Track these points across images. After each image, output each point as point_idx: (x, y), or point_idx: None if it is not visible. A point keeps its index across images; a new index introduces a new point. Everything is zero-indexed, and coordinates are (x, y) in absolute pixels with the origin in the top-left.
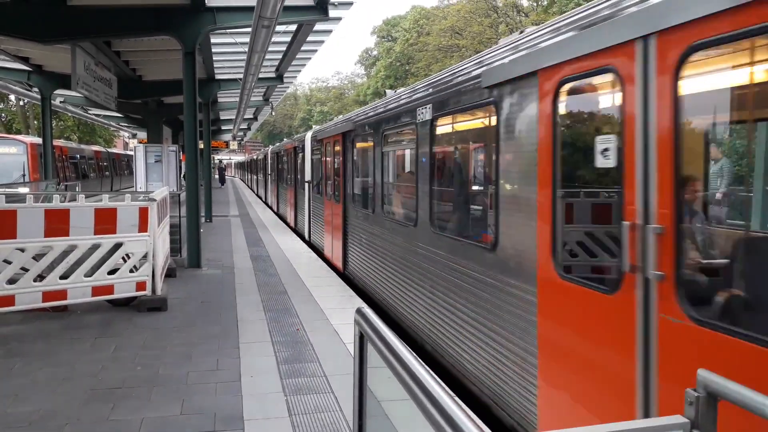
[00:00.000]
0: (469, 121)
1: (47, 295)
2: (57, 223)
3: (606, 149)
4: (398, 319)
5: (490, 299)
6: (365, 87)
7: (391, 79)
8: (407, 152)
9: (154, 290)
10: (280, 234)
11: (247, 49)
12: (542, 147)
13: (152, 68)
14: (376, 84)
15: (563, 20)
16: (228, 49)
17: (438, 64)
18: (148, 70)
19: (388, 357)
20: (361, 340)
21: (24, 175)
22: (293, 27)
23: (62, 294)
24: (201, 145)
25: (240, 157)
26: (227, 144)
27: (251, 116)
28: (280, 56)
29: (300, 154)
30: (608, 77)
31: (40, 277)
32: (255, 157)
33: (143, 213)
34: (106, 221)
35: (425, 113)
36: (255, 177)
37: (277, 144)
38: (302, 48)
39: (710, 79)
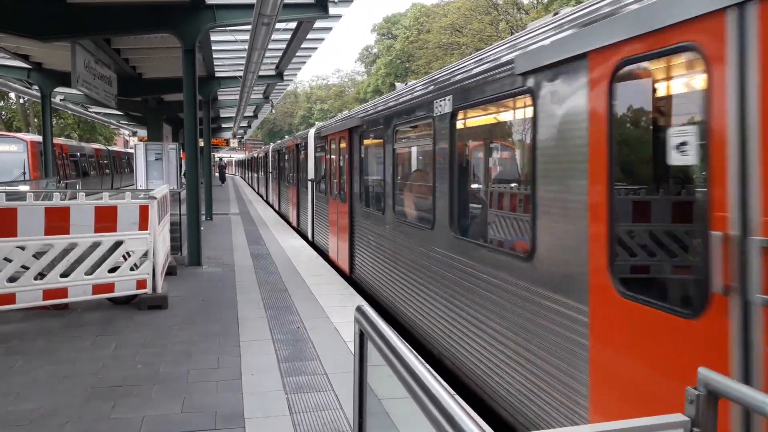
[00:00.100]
0: (497, 113)
1: (48, 293)
2: (57, 221)
3: (683, 143)
4: (411, 328)
5: (526, 315)
6: (365, 85)
7: (392, 76)
8: (422, 149)
9: (154, 288)
10: (281, 232)
11: (247, 47)
12: (595, 140)
13: (152, 66)
14: (377, 82)
15: None
16: (228, 47)
17: (438, 62)
18: (148, 67)
19: (387, 355)
20: (361, 338)
21: (24, 173)
22: (293, 24)
23: (63, 292)
24: (201, 143)
25: (240, 155)
26: (227, 142)
27: (251, 114)
28: (280, 54)
29: (303, 152)
30: (686, 57)
31: (41, 275)
32: (256, 154)
33: (143, 211)
34: (106, 219)
35: (444, 105)
36: (256, 175)
37: (279, 141)
38: (302, 45)
39: None
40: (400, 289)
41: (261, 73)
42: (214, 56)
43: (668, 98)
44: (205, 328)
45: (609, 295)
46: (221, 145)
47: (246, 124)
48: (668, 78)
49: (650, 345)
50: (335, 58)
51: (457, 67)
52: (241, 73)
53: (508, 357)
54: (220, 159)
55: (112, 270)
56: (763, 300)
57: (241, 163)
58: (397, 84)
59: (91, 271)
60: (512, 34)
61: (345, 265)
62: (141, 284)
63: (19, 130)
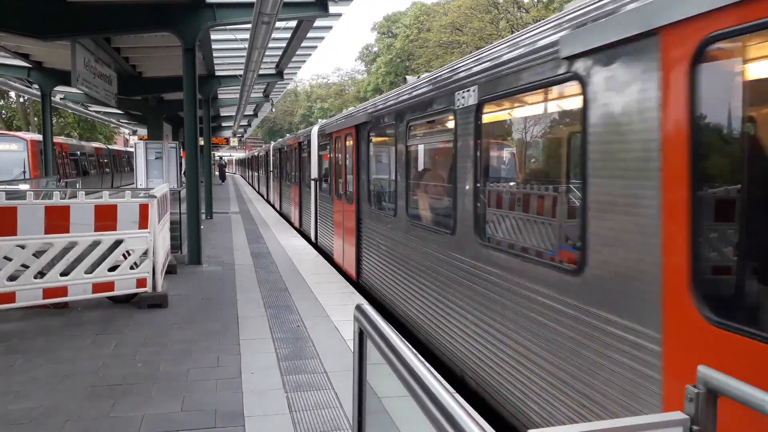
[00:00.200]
0: (533, 105)
1: (48, 292)
2: (57, 220)
3: None
4: (429, 342)
5: (574, 338)
6: (366, 83)
7: (392, 75)
8: (441, 145)
9: (154, 287)
10: (281, 231)
11: (247, 46)
12: (671, 133)
13: (152, 65)
14: (377, 80)
15: None
16: (228, 46)
17: (438, 60)
18: (148, 66)
19: (387, 353)
20: (361, 337)
21: (24, 172)
22: (293, 23)
23: (63, 291)
24: (201, 142)
25: (240, 154)
26: (227, 141)
27: (251, 113)
28: (280, 52)
29: (305, 150)
30: None
31: (41, 274)
32: (256, 153)
33: (143, 210)
34: (106, 218)
35: (468, 97)
36: (256, 174)
37: (280, 139)
38: (302, 44)
39: None
40: (414, 298)
41: (261, 71)
42: (214, 55)
43: None
44: (205, 327)
45: (692, 321)
46: (221, 143)
47: (246, 123)
48: None
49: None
50: (335, 56)
51: (484, 54)
52: (241, 72)
53: (551, 385)
54: (220, 158)
55: (112, 269)
56: None
57: (241, 162)
58: (409, 78)
59: (91, 270)
60: (512, 32)
61: (352, 270)
62: (141, 283)
63: (19, 129)
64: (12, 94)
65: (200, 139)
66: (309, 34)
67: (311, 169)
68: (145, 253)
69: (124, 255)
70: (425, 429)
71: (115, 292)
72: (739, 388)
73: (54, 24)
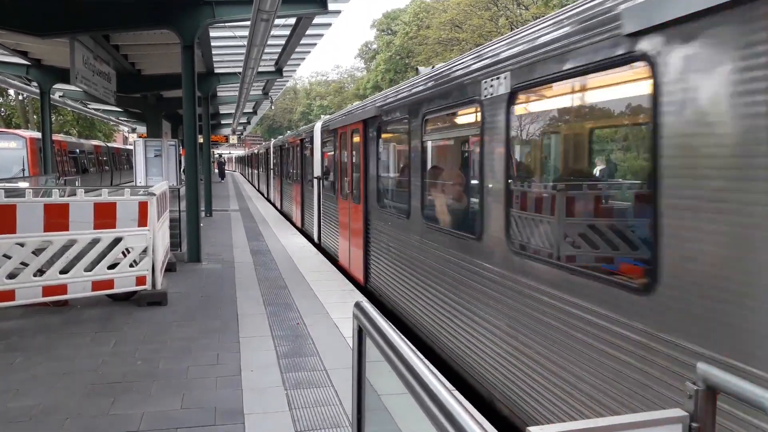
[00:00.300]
0: (581, 91)
1: (47, 290)
2: (56, 218)
3: None
4: (450, 359)
5: (642, 371)
6: (365, 81)
7: (391, 72)
8: (463, 141)
9: (154, 285)
10: (281, 229)
11: (246, 43)
12: None
13: (151, 62)
14: (376, 78)
15: None
16: (227, 43)
17: (438, 58)
18: (147, 64)
19: (386, 350)
20: (360, 334)
21: (23, 170)
22: (292, 20)
23: (62, 289)
24: (200, 140)
25: (240, 152)
26: (227, 138)
27: (251, 110)
28: (279, 50)
29: (308, 147)
30: None
31: (40, 272)
32: (256, 150)
33: (143, 207)
34: (105, 216)
35: (498, 86)
36: (256, 172)
37: (281, 137)
38: (301, 41)
39: None
40: (431, 309)
41: (260, 69)
42: (213, 52)
43: None
44: (204, 325)
45: None
46: (220, 141)
47: (245, 121)
48: None
49: None
50: (335, 54)
51: (518, 36)
52: (240, 70)
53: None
54: (220, 155)
55: (112, 266)
56: None
57: (240, 160)
58: (421, 69)
59: (90, 268)
60: (512, 29)
61: (359, 274)
62: (140, 281)
63: (18, 127)
64: (11, 91)
65: (199, 136)
66: (308, 32)
67: (314, 167)
68: (145, 251)
69: (123, 253)
70: (424, 426)
71: (115, 290)
72: (738, 385)
73: (53, 21)
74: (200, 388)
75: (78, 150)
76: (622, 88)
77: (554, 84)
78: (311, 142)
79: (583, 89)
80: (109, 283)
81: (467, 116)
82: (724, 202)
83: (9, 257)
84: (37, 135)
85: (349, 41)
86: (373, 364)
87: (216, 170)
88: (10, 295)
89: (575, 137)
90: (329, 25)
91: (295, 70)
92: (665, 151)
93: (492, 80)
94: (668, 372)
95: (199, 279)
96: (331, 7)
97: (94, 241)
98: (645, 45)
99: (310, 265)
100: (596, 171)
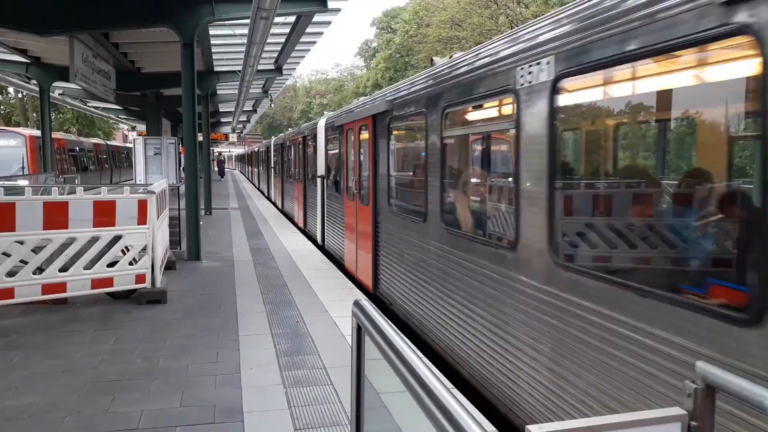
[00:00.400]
0: (653, 76)
1: (47, 288)
2: (56, 216)
3: None
4: (480, 384)
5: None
6: (365, 79)
7: (391, 70)
8: (491, 136)
9: (153, 283)
10: (281, 227)
11: (245, 41)
12: None
13: (151, 60)
14: (376, 76)
15: None
16: (227, 41)
17: (438, 56)
18: (147, 62)
19: (384, 349)
20: (359, 333)
21: (23, 168)
22: (292, 18)
23: (62, 287)
24: (200, 138)
25: (240, 150)
26: (226, 136)
27: (250, 108)
28: (279, 48)
29: (311, 145)
30: None
31: (40, 270)
32: (256, 149)
33: (142, 205)
34: (105, 214)
35: (538, 72)
36: (256, 170)
37: (282, 134)
38: (301, 39)
39: None
40: (452, 324)
41: (260, 67)
42: (212, 50)
43: None
44: (204, 323)
45: None
46: (220, 139)
47: (245, 119)
48: None
49: None
50: (334, 52)
51: (564, 15)
52: (240, 68)
53: None
54: (219, 153)
55: (111, 264)
56: None
57: (240, 158)
58: (436, 59)
59: (90, 266)
60: (512, 28)
61: (367, 280)
62: (140, 279)
63: (17, 125)
64: (10, 89)
65: (199, 134)
66: (308, 30)
67: (317, 166)
68: (144, 249)
69: (123, 251)
70: (423, 424)
71: (114, 288)
72: (736, 383)
73: (52, 19)
74: (200, 386)
75: (77, 148)
76: (713, 69)
77: (615, 68)
78: (314, 139)
79: (656, 72)
80: (109, 281)
81: (498, 108)
82: None
83: (8, 255)
84: (37, 133)
85: (349, 39)
86: (372, 362)
87: (216, 168)
88: (9, 293)
89: (642, 129)
90: (329, 23)
91: (294, 68)
92: None
93: (529, 67)
94: None
95: (199, 277)
96: (330, 5)
97: (94, 239)
98: (744, 16)
99: (309, 264)
100: (671, 169)
